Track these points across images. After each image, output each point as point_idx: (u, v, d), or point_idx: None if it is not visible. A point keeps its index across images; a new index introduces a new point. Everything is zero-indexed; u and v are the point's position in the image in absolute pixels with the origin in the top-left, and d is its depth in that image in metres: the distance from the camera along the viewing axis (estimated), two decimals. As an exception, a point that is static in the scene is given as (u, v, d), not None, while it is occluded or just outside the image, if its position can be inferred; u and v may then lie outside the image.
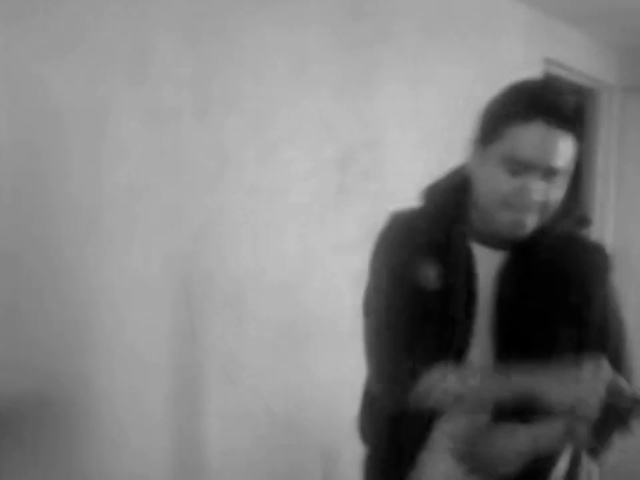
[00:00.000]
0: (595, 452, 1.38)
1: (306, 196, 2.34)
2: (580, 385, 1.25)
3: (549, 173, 1.26)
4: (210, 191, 2.06)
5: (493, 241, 1.35)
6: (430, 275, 1.34)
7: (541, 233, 1.33)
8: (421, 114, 2.68)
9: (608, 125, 3.86)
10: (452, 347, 1.34)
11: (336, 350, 2.40)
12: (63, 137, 1.74)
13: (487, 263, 1.35)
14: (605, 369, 1.26)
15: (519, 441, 1.32)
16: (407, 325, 1.34)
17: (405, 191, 2.79)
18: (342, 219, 2.45)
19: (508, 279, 1.34)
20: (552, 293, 1.34)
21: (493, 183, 1.29)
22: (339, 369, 2.40)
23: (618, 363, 1.35)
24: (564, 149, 1.25)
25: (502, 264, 1.35)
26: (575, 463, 1.47)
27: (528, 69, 3.29)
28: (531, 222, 1.29)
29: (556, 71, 3.53)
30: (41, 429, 1.73)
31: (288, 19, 2.24)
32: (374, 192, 2.54)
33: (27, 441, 1.70)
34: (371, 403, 1.50)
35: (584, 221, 1.57)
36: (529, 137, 1.24)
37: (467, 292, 1.34)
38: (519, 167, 1.26)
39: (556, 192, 1.29)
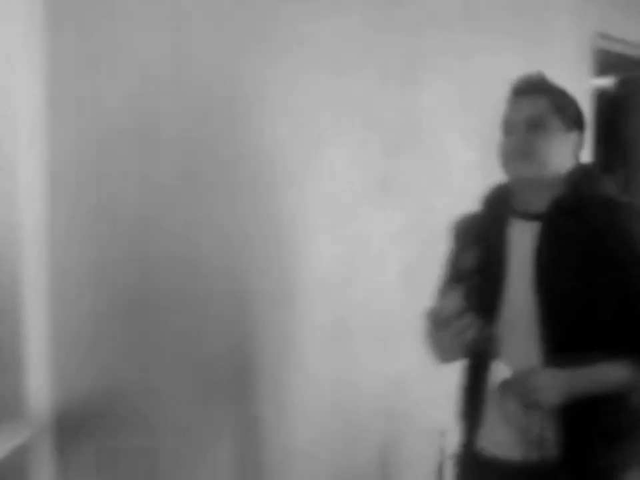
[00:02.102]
0: None
1: (351, 189, 2.30)
2: None
3: (529, 124, 1.58)
4: (255, 188, 2.05)
5: (526, 212, 1.62)
6: (471, 254, 1.62)
7: (566, 200, 1.58)
8: (467, 101, 2.60)
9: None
10: (486, 303, 1.59)
11: (385, 347, 2.36)
12: (113, 142, 1.75)
13: (524, 233, 1.60)
14: None
15: (569, 380, 1.48)
16: (452, 287, 1.64)
17: (452, 181, 2.75)
18: (388, 211, 2.40)
19: (542, 242, 1.57)
20: (583, 251, 1.53)
21: (499, 148, 1.64)
22: (392, 365, 2.37)
23: None
24: (534, 104, 1.59)
25: (537, 231, 1.59)
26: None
27: (577, 46, 3.16)
28: (525, 168, 1.57)
29: (608, 46, 3.37)
30: (105, 437, 1.75)
31: (329, 8, 2.20)
32: (419, 184, 2.49)
33: (91, 448, 1.73)
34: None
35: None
36: (510, 103, 1.65)
37: (499, 258, 1.62)
38: (507, 125, 1.62)
39: (542, 141, 1.57)
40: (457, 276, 1.64)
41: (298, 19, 2.14)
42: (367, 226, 2.35)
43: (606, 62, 3.41)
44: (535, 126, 1.57)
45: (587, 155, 3.19)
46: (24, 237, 1.62)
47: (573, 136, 1.61)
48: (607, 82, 3.77)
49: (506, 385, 1.54)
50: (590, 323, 1.52)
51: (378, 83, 2.36)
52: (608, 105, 3.60)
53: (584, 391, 1.51)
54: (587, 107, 3.21)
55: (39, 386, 1.63)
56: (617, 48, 3.46)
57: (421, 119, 2.50)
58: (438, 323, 1.57)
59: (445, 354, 1.69)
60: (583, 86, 3.20)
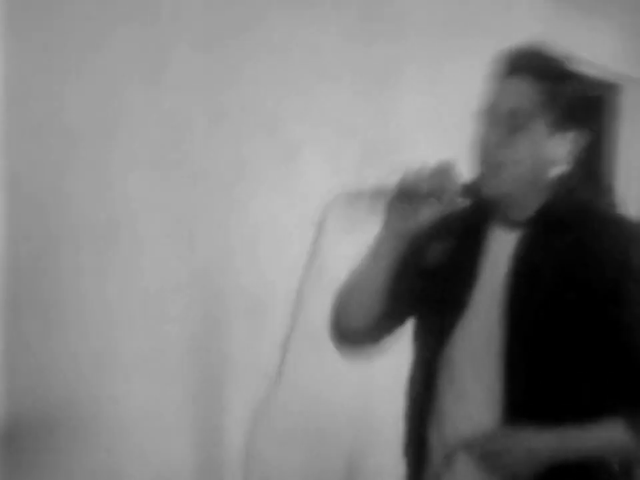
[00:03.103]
0: None
1: (326, 197, 2.28)
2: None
3: (510, 121, 1.26)
4: (227, 198, 2.03)
5: (507, 217, 1.32)
6: (438, 248, 1.36)
7: (557, 211, 1.30)
8: (442, 110, 2.62)
9: (633, 121, 3.77)
10: (440, 319, 1.33)
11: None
12: (74, 147, 1.71)
13: (503, 243, 1.32)
14: None
15: (541, 445, 1.21)
16: (406, 288, 1.36)
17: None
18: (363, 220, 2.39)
19: (520, 257, 1.29)
20: (566, 271, 1.26)
21: (477, 139, 1.34)
22: (364, 375, 2.35)
23: None
24: (521, 93, 1.27)
25: (516, 241, 1.31)
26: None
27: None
28: (498, 181, 1.28)
29: (577, 66, 3.44)
30: (58, 442, 1.70)
31: (303, 18, 2.20)
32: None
33: (45, 453, 1.67)
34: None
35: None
36: (497, 83, 1.32)
37: (468, 269, 1.33)
38: (488, 115, 1.30)
39: (524, 146, 1.27)
40: (418, 266, 1.37)
41: (275, 26, 2.13)
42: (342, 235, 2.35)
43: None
44: (517, 125, 1.27)
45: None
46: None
47: (568, 136, 1.30)
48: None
49: (464, 446, 1.26)
50: (571, 368, 1.24)
51: (354, 91, 2.37)
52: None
53: (564, 457, 1.22)
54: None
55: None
56: (583, 68, 3.53)
57: (397, 126, 2.51)
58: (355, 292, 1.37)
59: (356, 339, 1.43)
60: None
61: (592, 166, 3.74)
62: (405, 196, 1.28)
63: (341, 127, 2.35)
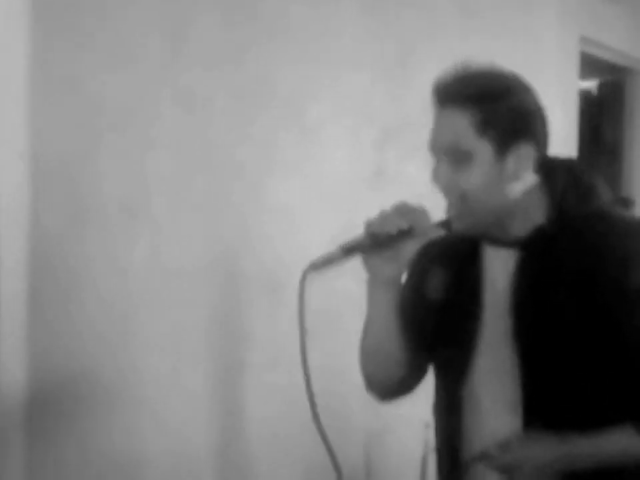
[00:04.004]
0: None
1: (344, 178, 2.29)
2: None
3: (450, 156, 1.22)
4: (245, 178, 2.02)
5: (501, 238, 1.27)
6: (435, 283, 1.33)
7: (553, 222, 1.23)
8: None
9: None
10: (455, 352, 1.31)
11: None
12: (94, 125, 1.70)
13: (501, 260, 1.27)
14: None
15: (555, 453, 1.21)
16: (411, 329, 1.34)
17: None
18: (380, 200, 2.39)
19: (521, 279, 1.24)
20: (576, 287, 1.20)
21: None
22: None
23: None
24: (455, 125, 1.21)
25: (515, 263, 1.25)
26: None
27: (563, 48, 3.20)
28: (455, 205, 1.24)
29: (593, 50, 3.43)
30: (81, 415, 1.70)
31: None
32: (412, 173, 2.48)
33: (67, 426, 1.68)
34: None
35: (626, 202, 1.51)
36: (434, 115, 1.27)
37: (471, 297, 1.29)
38: (431, 149, 1.26)
39: (467, 175, 1.21)
40: (420, 301, 1.35)
41: (292, 8, 2.13)
42: (359, 214, 2.34)
43: (587, 65, 3.48)
44: (461, 158, 1.21)
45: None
46: (2, 220, 1.57)
47: (518, 150, 1.21)
48: (589, 84, 3.85)
49: (485, 458, 1.24)
50: (585, 381, 1.21)
51: (373, 71, 2.36)
52: (590, 106, 3.67)
53: (581, 464, 1.21)
54: (573, 108, 3.26)
55: (12, 364, 1.58)
56: (599, 52, 3.52)
57: (415, 106, 2.49)
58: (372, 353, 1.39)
59: (381, 386, 1.44)
60: (570, 87, 3.25)
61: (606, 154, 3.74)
62: (377, 243, 1.28)
63: (360, 108, 2.34)
